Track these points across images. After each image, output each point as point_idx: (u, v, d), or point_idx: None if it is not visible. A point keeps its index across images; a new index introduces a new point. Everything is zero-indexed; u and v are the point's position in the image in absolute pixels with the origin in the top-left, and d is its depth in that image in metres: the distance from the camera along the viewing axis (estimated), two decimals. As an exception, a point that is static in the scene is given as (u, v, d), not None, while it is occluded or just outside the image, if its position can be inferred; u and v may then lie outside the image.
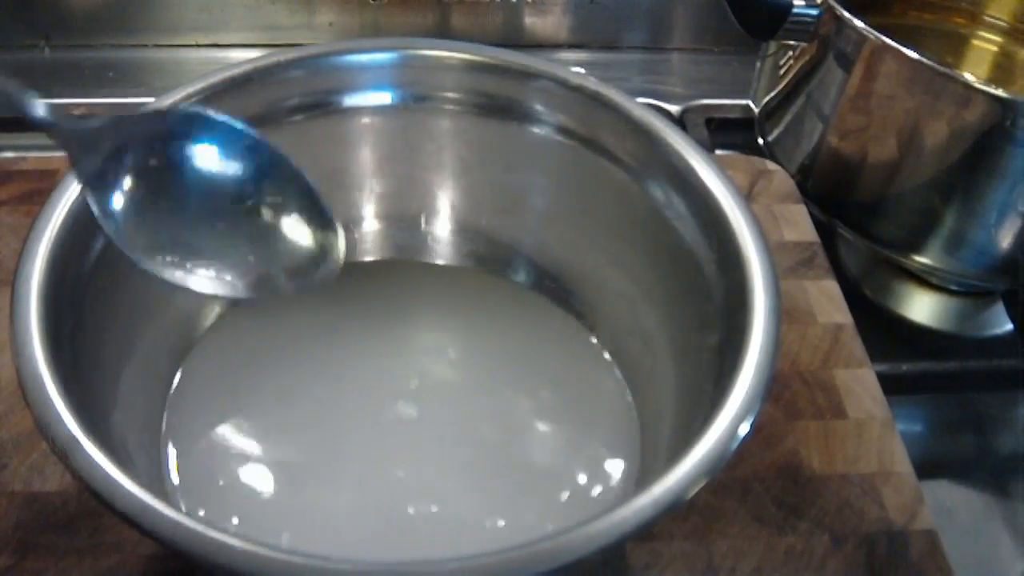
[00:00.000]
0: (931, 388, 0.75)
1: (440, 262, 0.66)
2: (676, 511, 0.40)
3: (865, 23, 0.70)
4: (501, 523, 0.53)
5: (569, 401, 0.60)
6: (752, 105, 0.89)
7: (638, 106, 0.56)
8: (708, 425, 0.42)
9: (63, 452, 0.39)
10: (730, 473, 0.56)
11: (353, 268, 0.63)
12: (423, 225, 0.65)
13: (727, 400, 0.43)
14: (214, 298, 0.60)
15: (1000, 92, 0.65)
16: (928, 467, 0.67)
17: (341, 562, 0.37)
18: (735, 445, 0.42)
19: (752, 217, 0.50)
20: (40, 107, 0.45)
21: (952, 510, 0.67)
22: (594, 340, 0.62)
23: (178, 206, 0.49)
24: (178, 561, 0.51)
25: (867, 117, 0.73)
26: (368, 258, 0.65)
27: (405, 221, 0.65)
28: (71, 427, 0.40)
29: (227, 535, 0.37)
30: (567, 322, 0.63)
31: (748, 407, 0.43)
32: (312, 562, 0.37)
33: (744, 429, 0.42)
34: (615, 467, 0.56)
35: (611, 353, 0.61)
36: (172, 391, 0.57)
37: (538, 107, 0.59)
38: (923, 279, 0.80)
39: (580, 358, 0.62)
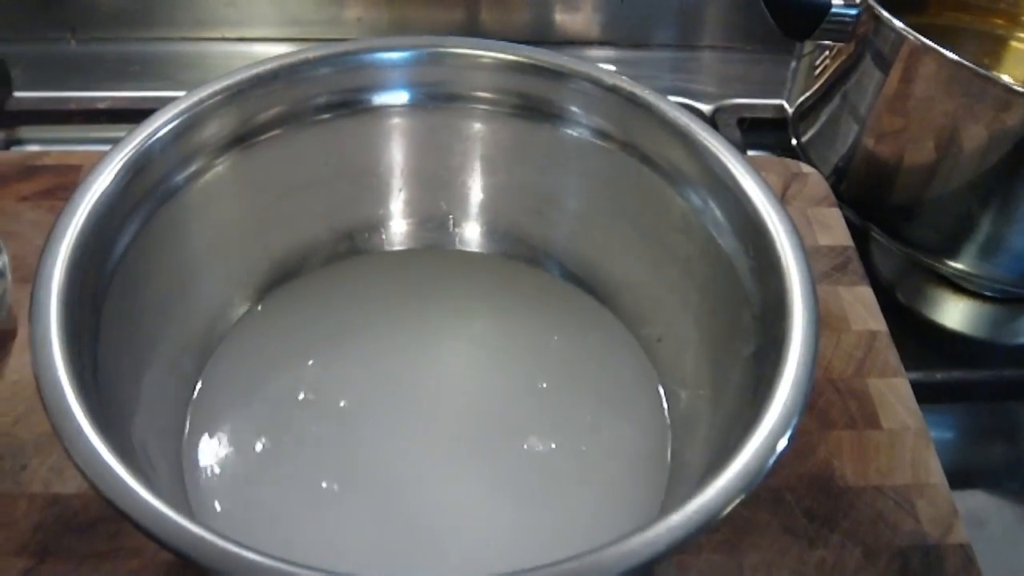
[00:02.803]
0: (965, 396, 0.74)
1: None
2: (710, 531, 0.39)
3: (903, 23, 0.69)
4: (526, 533, 0.53)
5: (600, 402, 0.59)
6: (786, 105, 0.88)
7: (674, 108, 0.55)
8: (745, 440, 0.41)
9: (80, 463, 0.39)
10: (761, 484, 0.55)
11: (382, 258, 0.63)
12: (452, 226, 0.64)
13: (764, 414, 0.42)
14: (239, 299, 0.60)
15: (1040, 95, 0.64)
16: (960, 476, 0.66)
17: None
18: (772, 461, 0.41)
19: (791, 225, 0.49)
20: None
21: (984, 520, 0.66)
22: (630, 335, 0.61)
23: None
24: (198, 569, 0.50)
25: (904, 119, 0.72)
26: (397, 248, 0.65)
27: (433, 221, 0.64)
28: (89, 436, 0.39)
29: (246, 549, 0.36)
30: (602, 315, 0.62)
31: (786, 422, 0.42)
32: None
33: (782, 444, 0.41)
34: (647, 477, 0.55)
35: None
36: (195, 394, 0.57)
37: (572, 108, 0.58)
38: (958, 285, 0.79)
39: (615, 356, 0.61)
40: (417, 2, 0.98)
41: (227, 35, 0.99)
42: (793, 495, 0.56)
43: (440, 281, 0.64)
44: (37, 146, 0.87)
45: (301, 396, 0.58)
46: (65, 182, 0.70)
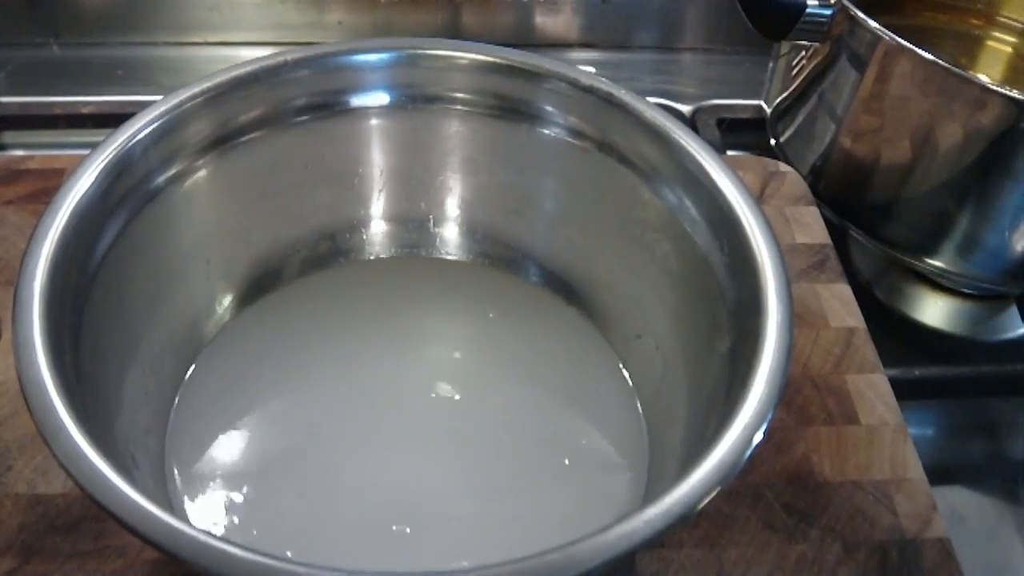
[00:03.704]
0: (944, 393, 0.74)
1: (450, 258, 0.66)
2: (687, 523, 0.39)
3: (878, 23, 0.69)
4: (506, 532, 0.53)
5: (577, 404, 0.59)
6: (764, 105, 0.88)
7: (650, 108, 0.55)
8: (721, 433, 0.42)
9: (64, 460, 0.39)
10: (741, 479, 0.55)
11: (362, 266, 0.63)
12: (432, 227, 0.64)
13: (740, 408, 0.42)
14: (221, 299, 0.60)
15: (1015, 94, 0.65)
16: (940, 472, 0.66)
17: (344, 573, 0.37)
18: (748, 454, 0.41)
19: (765, 222, 0.49)
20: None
21: (964, 516, 0.66)
22: (604, 341, 0.61)
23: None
24: (182, 567, 0.50)
25: (880, 118, 0.72)
26: (376, 253, 0.65)
27: (413, 223, 0.65)
28: (73, 434, 0.39)
29: (229, 545, 0.36)
30: (577, 321, 0.63)
31: (761, 416, 0.42)
32: (314, 573, 0.36)
33: (758, 438, 0.41)
34: (623, 473, 0.56)
35: (621, 357, 0.60)
36: (178, 396, 0.57)
37: (549, 108, 0.58)
38: (936, 282, 0.80)
39: (590, 360, 0.61)
40: (399, 5, 0.98)
41: (210, 39, 0.99)
42: (772, 491, 0.57)
43: (419, 290, 0.64)
44: (21, 151, 0.86)
45: (284, 398, 0.58)
46: (49, 186, 0.70)
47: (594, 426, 0.58)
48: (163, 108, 0.53)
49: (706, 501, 0.40)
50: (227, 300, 0.61)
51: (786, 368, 0.44)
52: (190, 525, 0.37)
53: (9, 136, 0.88)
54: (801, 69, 0.79)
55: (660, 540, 0.39)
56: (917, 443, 0.60)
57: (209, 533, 0.37)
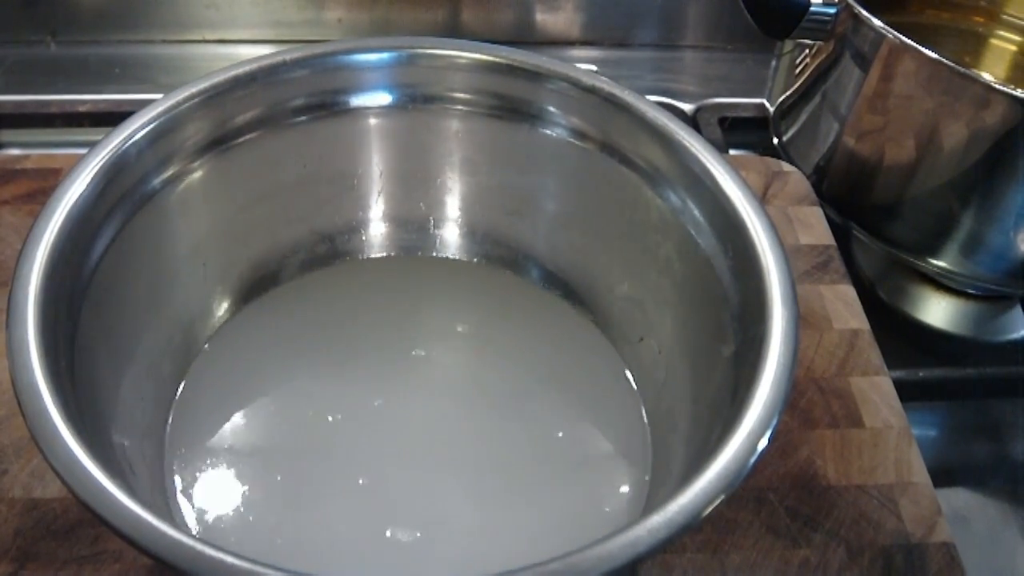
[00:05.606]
0: (947, 394, 0.74)
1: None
2: (691, 531, 0.39)
3: (882, 22, 0.69)
4: (506, 537, 0.52)
5: (578, 407, 0.59)
6: (767, 104, 0.88)
7: (653, 108, 0.55)
8: (725, 439, 0.41)
9: (58, 467, 0.38)
10: (743, 484, 0.55)
11: (361, 266, 0.63)
12: (432, 228, 0.64)
13: (745, 414, 0.42)
14: (218, 302, 0.60)
15: (1019, 93, 0.64)
16: (944, 474, 0.66)
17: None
18: (753, 461, 0.41)
19: (770, 225, 0.49)
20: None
21: (967, 518, 0.66)
22: (607, 344, 0.61)
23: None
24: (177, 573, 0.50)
25: (884, 117, 0.72)
26: (375, 255, 0.65)
27: (413, 223, 0.64)
28: (67, 440, 0.39)
29: (225, 554, 0.36)
30: (579, 324, 0.62)
31: (766, 422, 0.42)
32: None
33: (763, 444, 0.41)
34: (625, 477, 0.55)
35: (623, 359, 0.60)
36: (176, 399, 0.57)
37: (550, 108, 0.58)
38: (939, 283, 0.79)
39: (592, 363, 0.61)
40: (398, 3, 0.98)
41: (208, 37, 0.99)
42: (776, 494, 0.56)
43: (419, 288, 0.64)
44: (18, 149, 0.86)
45: (282, 401, 0.58)
46: (46, 186, 0.69)
47: (596, 429, 0.58)
48: (159, 109, 0.52)
49: (710, 509, 0.39)
50: (225, 303, 0.60)
51: (791, 374, 0.44)
52: (187, 533, 0.37)
53: (5, 135, 0.88)
54: (804, 67, 0.79)
55: (664, 549, 0.39)
56: (920, 444, 0.60)
57: (206, 542, 0.37)
